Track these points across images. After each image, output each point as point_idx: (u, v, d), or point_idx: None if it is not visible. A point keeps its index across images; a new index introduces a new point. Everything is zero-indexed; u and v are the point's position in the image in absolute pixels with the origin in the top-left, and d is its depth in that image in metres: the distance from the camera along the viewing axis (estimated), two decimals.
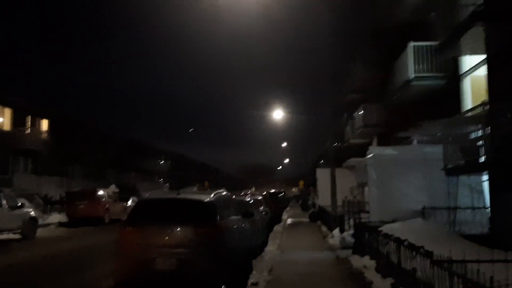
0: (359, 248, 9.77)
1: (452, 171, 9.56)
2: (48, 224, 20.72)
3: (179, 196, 7.12)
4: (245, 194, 20.29)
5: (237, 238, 7.53)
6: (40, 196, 25.49)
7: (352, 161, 23.39)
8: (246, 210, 8.83)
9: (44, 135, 30.52)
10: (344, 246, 11.54)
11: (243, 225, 8.29)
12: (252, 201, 13.01)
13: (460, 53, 10.36)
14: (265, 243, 13.40)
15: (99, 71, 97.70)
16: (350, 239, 11.31)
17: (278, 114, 32.58)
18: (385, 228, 8.62)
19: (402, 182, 10.56)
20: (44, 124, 30.70)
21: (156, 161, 58.55)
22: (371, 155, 10.95)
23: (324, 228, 17.78)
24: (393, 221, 10.12)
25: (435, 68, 12.81)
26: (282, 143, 57.16)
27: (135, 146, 48.33)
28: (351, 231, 11.93)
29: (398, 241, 5.92)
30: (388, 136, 19.15)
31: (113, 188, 29.16)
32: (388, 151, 11.18)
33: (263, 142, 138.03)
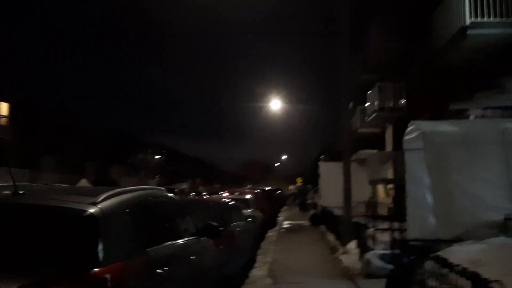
0: (404, 285, 5.83)
1: None
2: None
3: (13, 200, 2.80)
4: (236, 192, 16.26)
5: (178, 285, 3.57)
6: None
7: (363, 153, 19.61)
8: (207, 224, 4.78)
9: (4, 121, 26.49)
10: (369, 273, 7.60)
11: (196, 256, 4.24)
12: (233, 202, 9.01)
13: None
14: (252, 261, 9.59)
15: (87, 58, 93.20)
16: (380, 264, 7.37)
17: (276, 104, 28.90)
18: (455, 255, 4.94)
19: (466, 176, 6.61)
20: (4, 108, 26.67)
21: (144, 154, 54.70)
22: (417, 133, 6.92)
23: (331, 237, 13.85)
24: (453, 240, 6.30)
25: (498, 13, 8.92)
26: (280, 138, 53.49)
27: (121, 138, 44.38)
28: (379, 250, 8.00)
29: None
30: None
31: (83, 183, 25.33)
32: (444, 126, 7.09)
33: (260, 138, 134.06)
